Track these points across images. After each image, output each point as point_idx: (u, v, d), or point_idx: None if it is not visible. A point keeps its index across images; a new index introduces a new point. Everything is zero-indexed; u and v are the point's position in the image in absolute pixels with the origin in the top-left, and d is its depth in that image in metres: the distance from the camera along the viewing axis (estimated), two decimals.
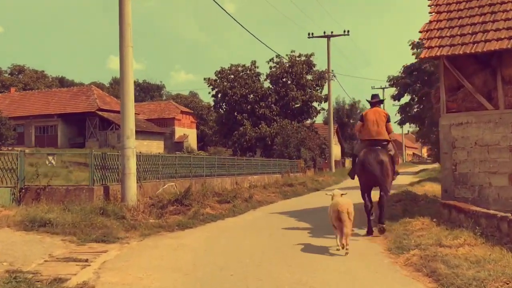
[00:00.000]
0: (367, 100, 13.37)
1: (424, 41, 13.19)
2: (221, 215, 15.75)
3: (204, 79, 54.93)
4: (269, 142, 50.51)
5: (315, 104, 54.78)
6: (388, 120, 12.58)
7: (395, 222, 12.01)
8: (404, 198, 16.04)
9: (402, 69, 28.51)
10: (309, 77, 54.58)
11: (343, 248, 9.48)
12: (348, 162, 64.82)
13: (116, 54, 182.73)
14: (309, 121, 55.27)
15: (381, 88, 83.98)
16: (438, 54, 12.63)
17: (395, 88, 29.57)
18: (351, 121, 70.24)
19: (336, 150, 61.12)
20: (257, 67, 55.51)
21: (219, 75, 54.81)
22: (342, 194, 10.38)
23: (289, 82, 54.06)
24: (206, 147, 75.99)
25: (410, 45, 28.41)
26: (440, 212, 12.08)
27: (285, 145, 45.67)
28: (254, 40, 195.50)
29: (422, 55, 12.95)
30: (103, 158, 15.95)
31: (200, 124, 78.13)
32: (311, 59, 54.30)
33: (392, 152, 12.59)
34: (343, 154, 66.69)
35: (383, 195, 12.05)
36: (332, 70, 50.05)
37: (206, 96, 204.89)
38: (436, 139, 58.56)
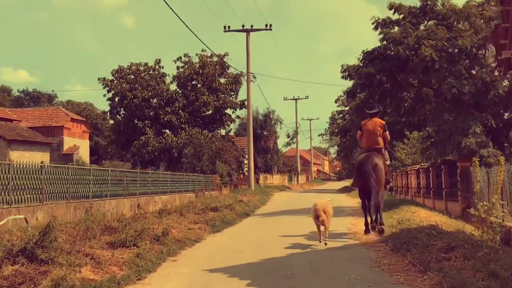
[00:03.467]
0: (365, 111, 14.62)
1: None
2: (113, 281, 7.84)
3: (99, 79, 46.35)
4: (176, 154, 42.65)
5: (229, 111, 47.68)
6: (384, 130, 13.51)
7: None
8: (457, 245, 8.76)
9: (362, 55, 21.61)
10: (222, 80, 47.50)
11: (320, 242, 11.44)
12: (263, 178, 57.85)
13: (8, 64, 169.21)
14: (222, 131, 48.12)
15: (294, 99, 78.23)
16: None
17: (352, 81, 22.63)
18: (265, 133, 63.36)
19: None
20: (162, 67, 47.71)
21: (116, 75, 46.38)
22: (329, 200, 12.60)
23: (199, 85, 46.67)
24: (101, 161, 66.74)
25: (373, 23, 21.74)
26: None
27: (197, 158, 37.91)
28: (157, 51, 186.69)
29: None
30: None
31: (94, 135, 68.62)
32: (224, 59, 47.17)
33: (388, 162, 13.98)
34: (256, 168, 59.57)
35: (376, 198, 12.55)
36: (252, 73, 42.81)
37: (103, 106, 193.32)
38: None
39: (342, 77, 22.31)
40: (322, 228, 11.48)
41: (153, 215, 16.33)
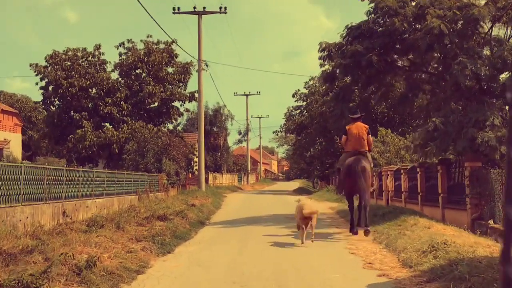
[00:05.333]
0: (349, 115, 15.43)
1: None
2: None
3: (30, 65, 40.97)
4: (117, 150, 37.92)
5: (177, 104, 43.18)
6: (368, 133, 14.14)
7: None
8: None
9: (345, 31, 17.68)
10: (170, 69, 42.99)
11: (302, 243, 11.66)
12: (212, 178, 53.61)
13: None
14: (170, 126, 43.70)
15: (244, 94, 74.29)
16: None
17: (328, 63, 18.68)
18: (215, 129, 59.09)
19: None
20: (103, 54, 42.70)
21: (51, 61, 41.11)
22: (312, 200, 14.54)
23: (144, 74, 42.02)
24: (35, 157, 61.22)
25: None
26: None
27: (141, 154, 33.42)
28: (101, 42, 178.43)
29: None
30: None
31: (28, 129, 62.92)
32: (172, 47, 42.68)
33: (371, 165, 14.76)
34: (205, 167, 55.25)
35: (364, 199, 13.38)
36: (205, 60, 38.65)
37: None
38: (320, 153, 49.49)
39: (320, 57, 18.40)
40: (309, 228, 11.76)
41: (78, 231, 12.00)
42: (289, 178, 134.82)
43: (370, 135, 14.35)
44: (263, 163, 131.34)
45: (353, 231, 13.55)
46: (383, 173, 25.68)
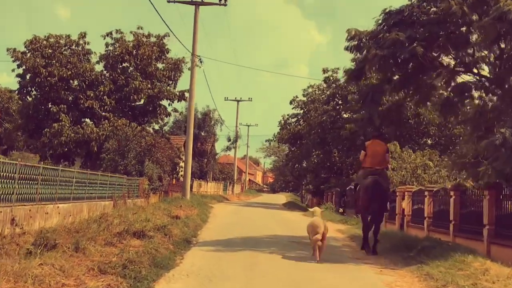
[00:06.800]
0: (370, 131, 16.49)
1: None
2: None
3: (8, 49, 37.41)
4: (95, 149, 34.24)
5: (165, 102, 39.57)
6: (387, 151, 14.54)
7: None
8: None
9: (382, 16, 14.32)
10: (160, 65, 39.47)
11: (316, 258, 11.49)
12: (197, 185, 50.03)
13: None
14: (156, 126, 40.11)
15: (235, 100, 70.99)
16: None
17: (356, 56, 15.25)
18: (203, 134, 55.46)
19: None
20: (88, 43, 38.96)
21: (30, 47, 37.38)
22: (322, 211, 12.76)
23: (131, 68, 38.40)
24: (10, 151, 57.48)
25: None
26: None
27: (121, 154, 29.87)
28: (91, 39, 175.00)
29: None
30: None
31: (4, 121, 59.11)
32: (164, 41, 39.23)
33: (388, 178, 15.51)
34: (191, 173, 51.64)
35: (379, 220, 14.32)
36: (199, 56, 35.39)
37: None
38: (316, 166, 46.03)
39: (347, 48, 15.05)
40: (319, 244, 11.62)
41: (29, 239, 8.51)
42: (274, 190, 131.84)
43: (388, 154, 14.91)
44: (248, 173, 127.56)
45: (366, 249, 14.04)
46: (397, 193, 22.38)
